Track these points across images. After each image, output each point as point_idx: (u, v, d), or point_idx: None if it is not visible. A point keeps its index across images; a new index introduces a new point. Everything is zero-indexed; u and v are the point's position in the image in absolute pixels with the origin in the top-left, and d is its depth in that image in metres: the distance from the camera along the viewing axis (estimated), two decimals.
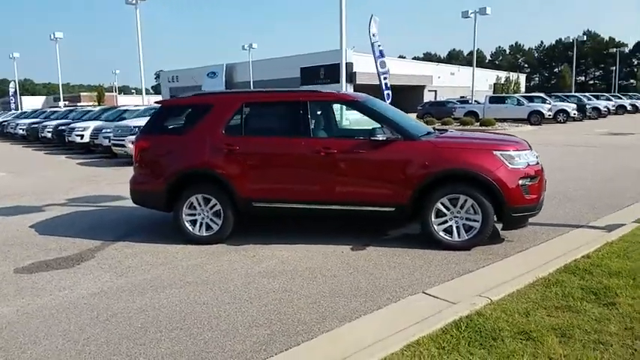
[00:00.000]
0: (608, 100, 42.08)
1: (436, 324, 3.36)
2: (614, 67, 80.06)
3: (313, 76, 48.74)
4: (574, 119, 32.19)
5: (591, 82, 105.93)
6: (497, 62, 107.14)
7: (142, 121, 14.43)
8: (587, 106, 35.45)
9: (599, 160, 12.79)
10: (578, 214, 6.76)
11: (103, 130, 16.23)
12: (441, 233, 5.31)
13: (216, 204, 5.77)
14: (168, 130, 6.13)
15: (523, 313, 3.51)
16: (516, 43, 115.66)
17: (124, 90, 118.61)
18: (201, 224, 5.86)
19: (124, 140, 13.97)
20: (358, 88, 39.60)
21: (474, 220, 5.22)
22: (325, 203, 5.54)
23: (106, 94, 76.63)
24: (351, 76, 46.08)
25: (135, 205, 8.02)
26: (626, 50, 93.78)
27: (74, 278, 4.86)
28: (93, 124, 17.50)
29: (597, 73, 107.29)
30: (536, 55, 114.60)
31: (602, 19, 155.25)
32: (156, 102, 6.60)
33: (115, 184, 10.81)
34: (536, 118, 30.16)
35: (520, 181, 5.15)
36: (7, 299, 4.36)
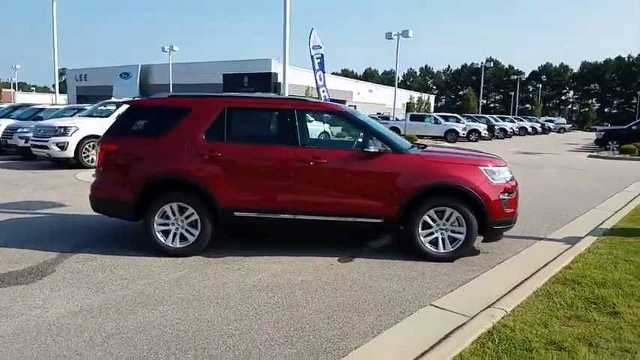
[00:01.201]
0: (512, 122, 45.84)
1: (467, 338, 3.36)
2: (513, 92, 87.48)
3: (236, 84, 48.07)
4: (484, 138, 34.62)
5: (492, 105, 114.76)
6: (408, 83, 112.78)
7: (67, 122, 13.37)
8: (496, 127, 38.33)
9: (526, 178, 13.76)
10: (534, 227, 7.19)
11: (19, 130, 14.73)
12: (427, 245, 5.39)
13: (192, 213, 5.41)
14: (139, 132, 5.66)
15: (541, 323, 3.64)
16: (426, 66, 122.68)
17: (22, 87, 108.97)
18: (174, 235, 5.46)
19: (47, 141, 12.76)
20: None
21: (459, 233, 5.36)
22: (312, 214, 5.41)
23: (3, 90, 69.97)
24: (276, 87, 46.17)
25: (79, 213, 7.47)
26: (523, 78, 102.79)
27: (42, 295, 4.29)
28: (5, 123, 15.82)
29: (498, 97, 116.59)
30: (443, 77, 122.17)
31: (503, 49, 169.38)
32: (124, 102, 6.09)
33: (42, 189, 9.82)
34: (451, 136, 32.07)
35: (501, 196, 5.39)
36: None
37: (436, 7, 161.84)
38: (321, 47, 18.13)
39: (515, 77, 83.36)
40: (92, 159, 13.09)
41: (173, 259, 5.35)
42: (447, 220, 5.36)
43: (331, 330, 3.68)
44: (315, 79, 18.02)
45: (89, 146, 13.04)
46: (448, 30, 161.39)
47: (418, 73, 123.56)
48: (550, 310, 3.89)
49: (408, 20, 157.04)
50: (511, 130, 40.82)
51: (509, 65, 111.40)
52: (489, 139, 35.39)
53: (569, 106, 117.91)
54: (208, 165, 5.36)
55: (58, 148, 12.70)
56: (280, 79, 47.66)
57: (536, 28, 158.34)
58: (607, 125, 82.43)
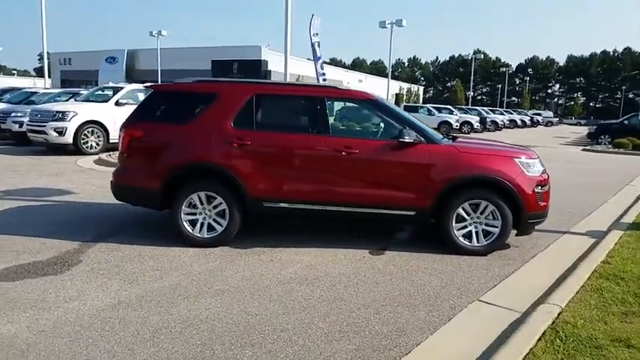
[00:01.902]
0: (502, 114, 46.11)
1: (532, 335, 3.28)
2: (500, 85, 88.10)
3: (225, 71, 47.44)
4: (475, 131, 34.74)
5: (479, 97, 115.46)
6: (396, 73, 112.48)
7: (65, 107, 13.00)
8: (487, 119, 38.49)
9: None
10: (554, 221, 7.13)
11: (13, 114, 14.30)
12: (461, 238, 5.31)
13: (220, 203, 5.24)
14: (165, 118, 5.44)
15: (600, 320, 3.57)
16: (414, 57, 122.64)
17: (2, 70, 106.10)
18: (202, 225, 5.30)
19: (44, 126, 12.38)
20: None
21: (493, 226, 5.28)
22: (343, 205, 5.27)
23: None
24: (266, 74, 45.72)
25: (91, 201, 7.26)
26: (510, 71, 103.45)
27: (74, 287, 4.11)
28: None
29: (485, 90, 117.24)
30: (431, 69, 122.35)
31: (490, 42, 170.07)
32: (147, 86, 5.86)
33: (46, 176, 9.53)
34: (445, 128, 32.04)
35: (535, 189, 5.31)
36: (2, 313, 3.56)
37: None
38: (317, 35, 17.88)
39: (503, 70, 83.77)
40: (91, 145, 12.79)
41: (201, 249, 5.19)
42: (482, 213, 5.27)
43: (385, 325, 3.58)
44: (316, 67, 17.80)
45: (88, 132, 12.72)
46: (436, 21, 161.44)
47: (406, 63, 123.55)
48: (604, 306, 3.83)
49: (396, 10, 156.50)
50: (502, 123, 41.05)
51: (497, 57, 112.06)
52: (481, 132, 35.52)
53: (555, 100, 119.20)
54: (238, 154, 5.19)
55: (56, 134, 12.34)
56: (270, 67, 47.34)
57: (523, 20, 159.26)
58: (591, 119, 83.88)
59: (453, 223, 5.28)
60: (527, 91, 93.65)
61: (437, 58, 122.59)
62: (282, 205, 5.27)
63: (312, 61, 18.26)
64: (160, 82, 31.48)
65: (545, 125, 58.40)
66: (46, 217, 6.35)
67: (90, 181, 9.11)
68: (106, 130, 12.96)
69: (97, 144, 12.87)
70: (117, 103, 13.22)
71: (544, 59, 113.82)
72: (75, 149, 12.53)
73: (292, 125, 5.54)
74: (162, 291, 4.09)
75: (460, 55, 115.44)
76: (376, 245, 5.54)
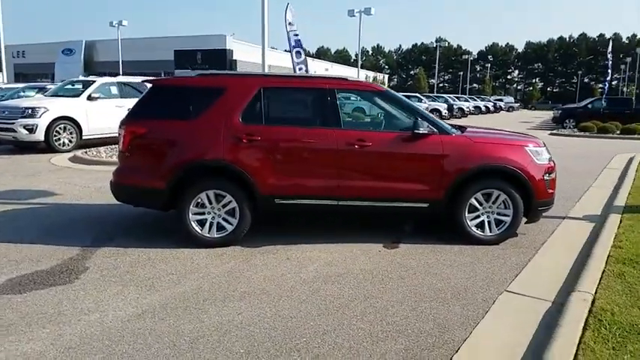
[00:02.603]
0: (467, 101, 46.91)
1: (576, 324, 3.28)
2: (462, 72, 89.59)
3: (189, 61, 46.35)
4: (443, 118, 35.22)
5: (442, 84, 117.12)
6: (361, 62, 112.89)
7: (35, 102, 12.38)
8: (454, 106, 39.09)
9: None
10: None
11: None
12: (474, 228, 5.31)
13: (230, 201, 5.06)
14: (168, 114, 5.18)
15: (633, 305, 3.61)
16: (378, 45, 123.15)
17: None
18: (211, 224, 5.10)
19: (13, 123, 11.74)
20: None
21: (505, 215, 5.30)
22: (356, 199, 5.18)
23: None
24: (231, 64, 44.94)
25: (78, 202, 6.95)
26: (471, 58, 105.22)
27: (89, 297, 3.87)
28: None
29: (447, 77, 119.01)
30: (395, 57, 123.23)
31: (451, 29, 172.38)
32: (145, 80, 5.57)
33: (22, 176, 9.04)
34: (435, 115, 32.35)
35: (544, 176, 5.36)
36: (20, 330, 3.31)
37: None
38: (293, 24, 17.60)
39: (466, 57, 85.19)
40: (64, 142, 12.23)
41: (213, 250, 5.01)
42: (494, 202, 5.28)
43: (425, 322, 3.51)
44: (292, 57, 17.51)
45: (60, 129, 12.14)
46: (398, 10, 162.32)
47: (370, 52, 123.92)
48: (630, 292, 3.88)
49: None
50: (467, 110, 41.78)
51: (458, 45, 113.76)
52: (448, 119, 36.04)
53: (515, 85, 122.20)
54: (247, 150, 5.01)
55: (26, 131, 11.73)
56: (236, 56, 46.47)
57: (483, 8, 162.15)
58: (549, 103, 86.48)
59: (466, 214, 5.27)
60: (489, 77, 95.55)
61: (400, 46, 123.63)
62: (295, 201, 5.14)
63: (272, 50, 18.00)
64: (121, 74, 30.49)
65: (507, 110, 59.76)
66: (35, 222, 5.99)
67: (70, 180, 8.68)
68: (79, 127, 12.43)
69: (70, 141, 12.31)
70: (89, 98, 12.69)
71: (503, 46, 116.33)
72: (47, 147, 11.95)
73: (303, 119, 5.38)
74: (184, 296, 3.91)
75: (423, 43, 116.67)
76: (387, 239, 5.47)
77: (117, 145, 12.20)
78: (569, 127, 25.84)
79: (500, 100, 65.02)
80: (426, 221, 6.08)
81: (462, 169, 5.14)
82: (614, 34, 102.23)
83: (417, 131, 5.05)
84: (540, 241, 5.52)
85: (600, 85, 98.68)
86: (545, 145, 5.62)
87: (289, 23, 17.27)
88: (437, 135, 5.19)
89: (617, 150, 15.08)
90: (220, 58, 45.51)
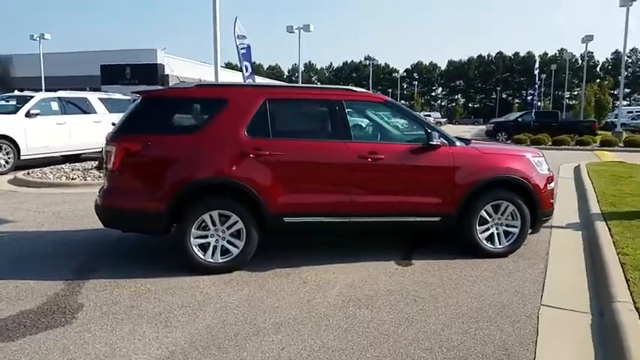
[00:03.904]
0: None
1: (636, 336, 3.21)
2: (391, 89, 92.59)
3: (117, 76, 44.28)
4: None
5: None
6: (293, 78, 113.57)
7: None
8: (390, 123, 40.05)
9: None
10: None
11: None
12: (484, 241, 5.22)
13: (236, 222, 4.64)
14: (165, 128, 4.69)
15: None
16: (310, 62, 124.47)
17: None
18: (214, 248, 4.65)
19: None
20: None
21: (513, 226, 5.27)
22: (368, 215, 4.94)
23: None
24: (163, 79, 43.43)
25: (40, 229, 6.24)
26: (398, 76, 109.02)
27: (100, 340, 3.32)
28: None
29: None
30: (326, 74, 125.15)
31: (379, 48, 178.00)
32: (134, 92, 5.01)
33: None
34: None
35: (547, 186, 5.40)
36: None
37: (322, 7, 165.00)
38: (245, 37, 17.25)
39: (395, 75, 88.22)
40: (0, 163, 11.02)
41: (217, 276, 4.55)
42: (502, 214, 5.24)
43: (485, 345, 3.31)
44: (242, 71, 17.10)
45: None
46: (329, 29, 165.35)
47: (303, 68, 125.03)
48: None
49: (290, 15, 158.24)
50: (402, 126, 43.02)
51: (385, 63, 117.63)
52: None
53: (439, 102, 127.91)
54: (254, 165, 4.63)
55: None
56: (167, 71, 44.98)
57: (407, 29, 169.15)
58: (472, 118, 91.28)
59: (477, 226, 5.17)
60: (418, 94, 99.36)
61: (331, 64, 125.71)
62: (305, 219, 4.80)
63: (204, 64, 17.45)
64: (44, 89, 28.25)
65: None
66: None
67: (19, 205, 7.76)
68: (17, 146, 11.28)
69: (7, 162, 11.14)
70: (27, 114, 11.57)
71: (428, 64, 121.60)
72: None
73: (311, 131, 5.08)
74: (211, 332, 3.45)
75: (353, 61, 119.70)
76: (396, 255, 5.26)
77: (63, 166, 11.29)
78: (502, 140, 27.20)
79: (429, 115, 67.62)
80: (428, 236, 5.94)
81: (474, 180, 5.05)
82: (528, 52, 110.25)
83: (431, 142, 4.91)
84: (542, 251, 5.54)
85: (517, 100, 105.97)
86: (543, 156, 5.68)
87: (238, 36, 16.90)
88: (447, 146, 5.08)
89: (555, 160, 15.91)
90: (151, 72, 43.85)
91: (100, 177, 9.80)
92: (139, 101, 4.81)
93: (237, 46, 16.96)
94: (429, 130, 5.00)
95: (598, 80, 44.57)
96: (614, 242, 5.53)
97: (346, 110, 4.95)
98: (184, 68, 45.99)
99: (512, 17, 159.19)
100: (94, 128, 13.13)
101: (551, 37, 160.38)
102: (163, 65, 45.64)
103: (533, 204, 5.24)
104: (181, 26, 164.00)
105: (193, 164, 4.55)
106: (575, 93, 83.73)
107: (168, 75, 43.58)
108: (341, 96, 5.02)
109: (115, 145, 4.52)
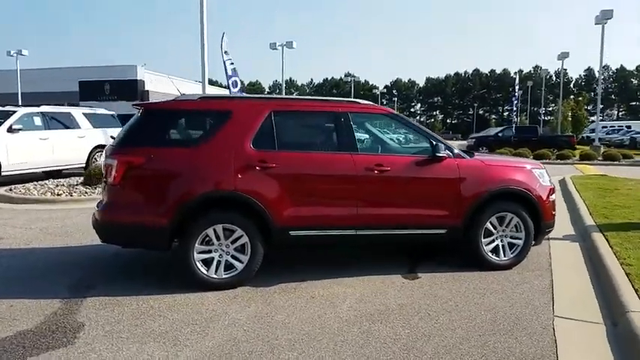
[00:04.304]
0: (385, 133, 48.73)
1: None
2: None
3: (96, 92, 43.70)
4: None
5: None
6: (275, 95, 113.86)
7: None
8: None
9: None
10: None
11: None
12: (489, 253, 5.19)
13: (241, 236, 4.51)
14: (168, 141, 4.57)
15: None
16: (290, 79, 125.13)
17: None
18: (218, 263, 4.51)
19: None
20: None
21: (518, 238, 5.25)
22: (376, 228, 4.87)
23: None
24: (143, 95, 43.03)
25: (27, 246, 5.97)
26: (378, 92, 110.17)
27: None
28: None
29: None
30: (307, 90, 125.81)
31: (360, 65, 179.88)
32: (135, 104, 4.87)
33: None
34: None
35: (550, 198, 5.42)
36: None
37: (303, 23, 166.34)
38: (228, 53, 17.21)
39: (375, 91, 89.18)
40: None
41: (221, 293, 4.41)
42: (507, 226, 5.22)
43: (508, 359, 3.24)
44: (229, 86, 17.02)
45: None
46: (312, 45, 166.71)
47: (284, 85, 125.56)
48: None
49: (268, 33, 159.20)
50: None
51: (365, 80, 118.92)
52: None
53: (418, 117, 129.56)
54: (261, 178, 4.53)
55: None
56: (147, 87, 44.59)
57: (387, 46, 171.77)
58: (450, 133, 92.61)
59: (482, 239, 5.14)
60: (397, 110, 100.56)
61: (312, 80, 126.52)
62: (311, 232, 4.71)
63: (185, 80, 17.34)
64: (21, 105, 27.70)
65: None
66: None
67: (5, 222, 7.48)
68: None
69: None
70: (10, 130, 11.25)
71: (406, 81, 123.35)
72: None
73: (317, 144, 5.01)
74: (223, 350, 3.31)
75: (333, 77, 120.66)
76: (401, 268, 5.19)
77: (47, 182, 10.97)
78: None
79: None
80: (431, 249, 5.89)
81: (479, 192, 5.03)
82: (504, 69, 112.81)
83: (438, 154, 4.89)
84: (545, 262, 5.53)
85: (494, 116, 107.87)
86: (544, 168, 5.71)
87: (225, 52, 16.87)
88: (452, 158, 5.06)
89: None
90: (131, 88, 43.39)
91: (86, 192, 9.55)
92: (140, 113, 4.69)
93: (224, 62, 16.93)
94: (435, 142, 4.98)
95: (572, 96, 45.69)
96: (615, 253, 5.55)
97: (351, 122, 4.91)
98: (164, 85, 45.67)
99: (489, 35, 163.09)
100: (77, 143, 12.87)
101: (527, 54, 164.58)
102: (144, 81, 45.22)
103: (536, 216, 5.24)
104: (165, 43, 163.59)
105: (198, 177, 4.43)
106: (550, 109, 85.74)
107: (148, 91, 43.22)
108: (346, 108, 4.98)
109: (117, 159, 4.37)
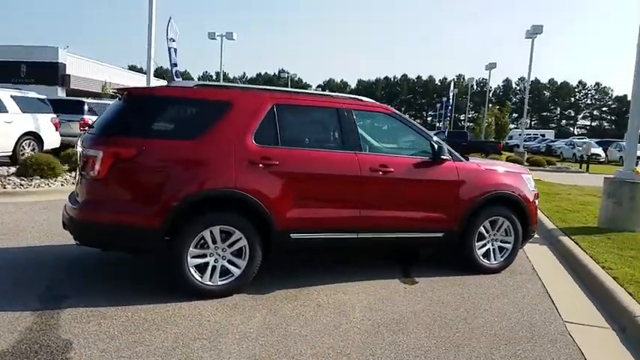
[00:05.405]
0: None
1: None
2: None
3: (10, 74, 39.98)
4: None
5: None
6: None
7: None
8: None
9: None
10: None
11: None
12: (481, 257, 5.17)
13: (239, 239, 4.13)
14: (160, 132, 4.05)
15: None
16: (223, 71, 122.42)
17: None
18: (213, 269, 4.10)
19: None
20: (73, 93, 34.93)
21: (507, 242, 5.28)
22: (376, 231, 4.68)
23: None
24: (64, 79, 40.03)
25: None
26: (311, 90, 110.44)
27: None
28: None
29: None
30: (239, 84, 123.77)
31: (294, 63, 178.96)
32: (117, 89, 4.27)
33: None
34: None
35: (535, 202, 5.51)
36: None
37: (238, 16, 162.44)
38: (174, 40, 16.31)
39: (310, 90, 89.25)
40: None
41: (217, 301, 4.01)
42: (498, 230, 5.23)
43: None
44: (172, 74, 16.13)
45: None
46: (245, 39, 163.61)
47: (214, 77, 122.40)
48: None
49: (203, 22, 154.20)
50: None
51: (299, 78, 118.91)
52: None
53: None
54: (263, 176, 4.16)
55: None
56: (69, 71, 41.61)
57: (322, 45, 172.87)
58: None
59: (475, 242, 5.11)
60: None
61: (244, 74, 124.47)
62: (313, 235, 4.42)
63: (120, 68, 16.15)
64: None
65: None
66: None
67: None
68: None
69: None
70: None
71: (339, 82, 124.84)
72: None
73: (321, 141, 4.70)
74: None
75: (266, 72, 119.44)
76: (395, 273, 5.04)
77: (8, 169, 9.69)
78: None
79: None
80: (412, 252, 5.80)
81: (475, 196, 4.99)
82: (429, 76, 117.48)
83: (442, 156, 4.78)
84: (527, 266, 5.63)
85: (419, 120, 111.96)
86: (530, 173, 5.80)
87: (171, 39, 16.00)
88: (451, 161, 4.97)
89: None
90: (51, 72, 40.17)
91: (21, 185, 8.54)
92: (125, 100, 4.15)
93: (168, 49, 16.04)
94: (436, 145, 4.86)
95: (497, 105, 48.37)
96: (591, 256, 5.75)
97: (356, 120, 4.67)
98: (89, 69, 42.89)
99: (417, 42, 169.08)
100: (4, 129, 11.57)
101: (451, 63, 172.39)
102: (65, 64, 42.04)
103: (524, 220, 5.30)
104: (89, 25, 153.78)
105: (195, 173, 3.98)
106: (470, 116, 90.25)
107: (70, 75, 40.22)
108: (350, 105, 4.74)
109: (102, 150, 3.81)
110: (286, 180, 4.24)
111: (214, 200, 4.05)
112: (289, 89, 4.98)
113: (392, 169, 4.64)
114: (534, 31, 25.29)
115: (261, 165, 4.15)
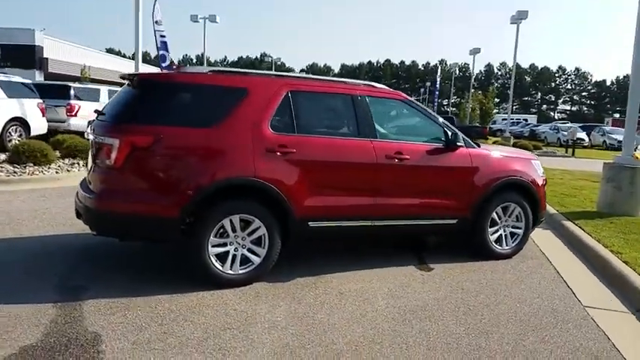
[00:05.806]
0: None
1: None
2: None
3: None
4: None
5: None
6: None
7: None
8: None
9: None
10: None
11: None
12: (493, 243, 5.20)
13: (259, 227, 4.07)
14: (177, 119, 3.92)
15: None
16: (203, 55, 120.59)
17: None
18: (234, 258, 4.04)
19: None
20: (51, 77, 34.06)
21: (518, 228, 5.31)
22: (392, 218, 4.65)
23: None
24: (41, 62, 38.99)
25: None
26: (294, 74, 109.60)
27: None
28: None
29: None
30: (222, 67, 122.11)
31: (277, 47, 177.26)
32: (125, 75, 4.11)
33: None
34: None
35: (544, 188, 5.54)
36: None
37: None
38: (160, 24, 15.93)
39: (291, 73, 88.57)
40: None
41: (239, 290, 3.97)
42: (509, 216, 5.26)
43: (577, 353, 3.20)
44: (159, 62, 15.80)
45: None
46: (223, 22, 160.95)
47: (195, 61, 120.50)
48: None
49: (182, 5, 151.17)
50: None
51: (282, 62, 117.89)
52: None
53: None
54: (281, 164, 4.09)
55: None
56: (47, 54, 40.48)
57: (308, 28, 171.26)
58: None
59: (488, 228, 5.13)
60: None
61: (225, 57, 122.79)
62: (330, 223, 4.38)
63: (99, 51, 15.75)
64: None
65: None
66: None
67: None
68: None
69: None
70: None
71: (322, 66, 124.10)
72: None
73: (337, 128, 4.63)
74: (280, 359, 2.93)
75: (248, 56, 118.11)
76: (410, 259, 5.04)
77: None
78: None
79: None
80: (420, 238, 5.82)
81: (488, 182, 5.00)
82: (412, 61, 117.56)
83: (458, 143, 4.77)
84: (536, 250, 5.68)
85: None
86: (539, 159, 5.82)
87: (156, 22, 15.64)
88: (464, 148, 4.96)
89: None
90: (27, 55, 38.97)
91: (15, 172, 8.31)
92: (136, 86, 4.01)
93: (155, 32, 15.68)
94: (450, 132, 4.84)
95: (480, 91, 48.71)
96: (598, 240, 5.82)
97: (369, 107, 4.61)
98: (68, 53, 41.76)
99: (400, 27, 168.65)
100: None
101: (433, 48, 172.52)
102: (42, 47, 40.85)
103: (535, 206, 5.33)
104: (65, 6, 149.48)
105: (216, 163, 3.90)
106: (453, 100, 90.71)
107: (47, 59, 39.16)
108: (365, 91, 4.67)
109: (119, 138, 3.69)
110: (303, 168, 4.18)
111: (235, 189, 3.97)
112: (304, 75, 4.88)
113: (407, 157, 4.61)
114: (519, 17, 25.36)
115: (278, 153, 4.07)
